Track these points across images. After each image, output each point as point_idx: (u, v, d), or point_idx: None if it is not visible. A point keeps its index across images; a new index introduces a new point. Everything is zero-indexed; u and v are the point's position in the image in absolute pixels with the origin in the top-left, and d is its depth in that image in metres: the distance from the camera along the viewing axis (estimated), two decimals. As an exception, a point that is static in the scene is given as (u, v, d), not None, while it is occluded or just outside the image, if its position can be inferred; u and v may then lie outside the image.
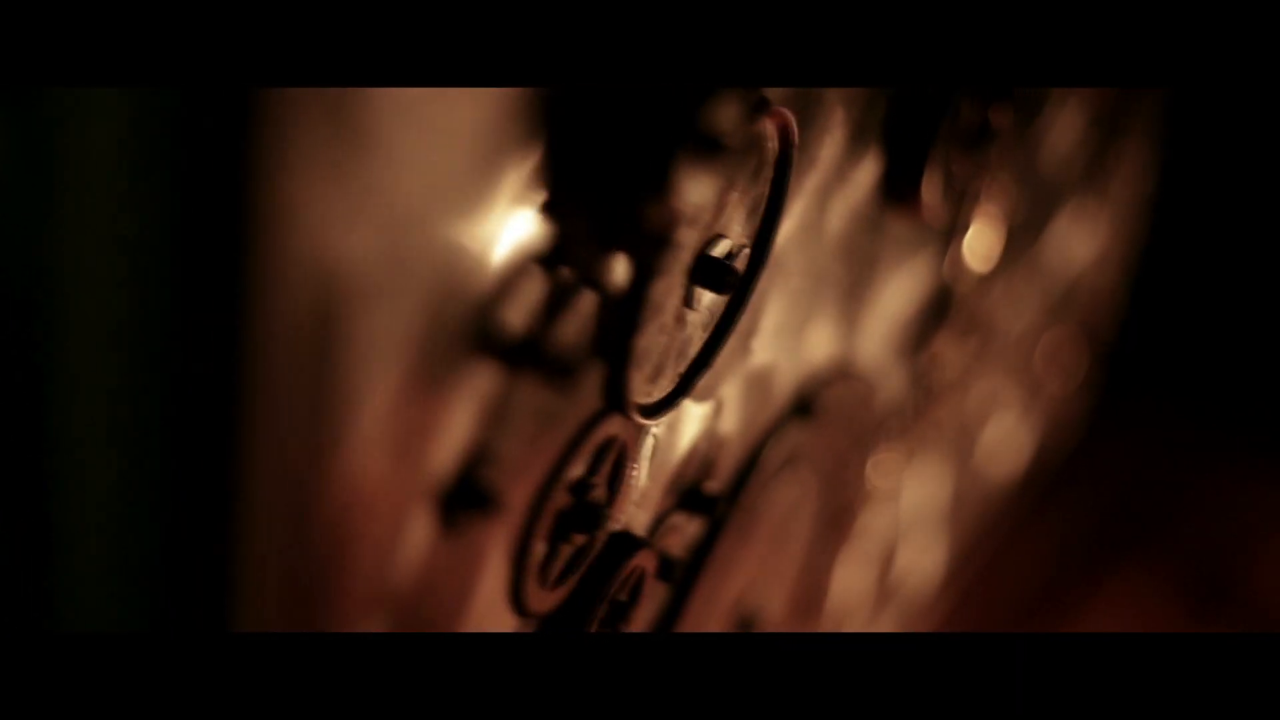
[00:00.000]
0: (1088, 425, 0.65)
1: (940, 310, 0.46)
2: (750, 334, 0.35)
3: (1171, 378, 0.71)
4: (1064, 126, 0.51)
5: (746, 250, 0.32)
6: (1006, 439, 0.59)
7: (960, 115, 0.39)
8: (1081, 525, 0.66)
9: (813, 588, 0.46)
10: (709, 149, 0.27)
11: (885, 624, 0.54)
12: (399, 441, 0.24)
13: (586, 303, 0.27)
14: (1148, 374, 0.70)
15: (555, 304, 0.27)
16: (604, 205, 0.26)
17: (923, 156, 0.38)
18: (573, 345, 0.27)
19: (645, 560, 0.33)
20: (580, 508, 0.30)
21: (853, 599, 0.51)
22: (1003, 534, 0.62)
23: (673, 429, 0.34)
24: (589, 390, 0.29)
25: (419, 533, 0.26)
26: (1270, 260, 0.69)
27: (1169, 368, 0.71)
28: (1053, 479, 0.65)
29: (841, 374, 0.41)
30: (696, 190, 0.28)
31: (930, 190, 0.39)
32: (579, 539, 0.31)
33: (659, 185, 0.26)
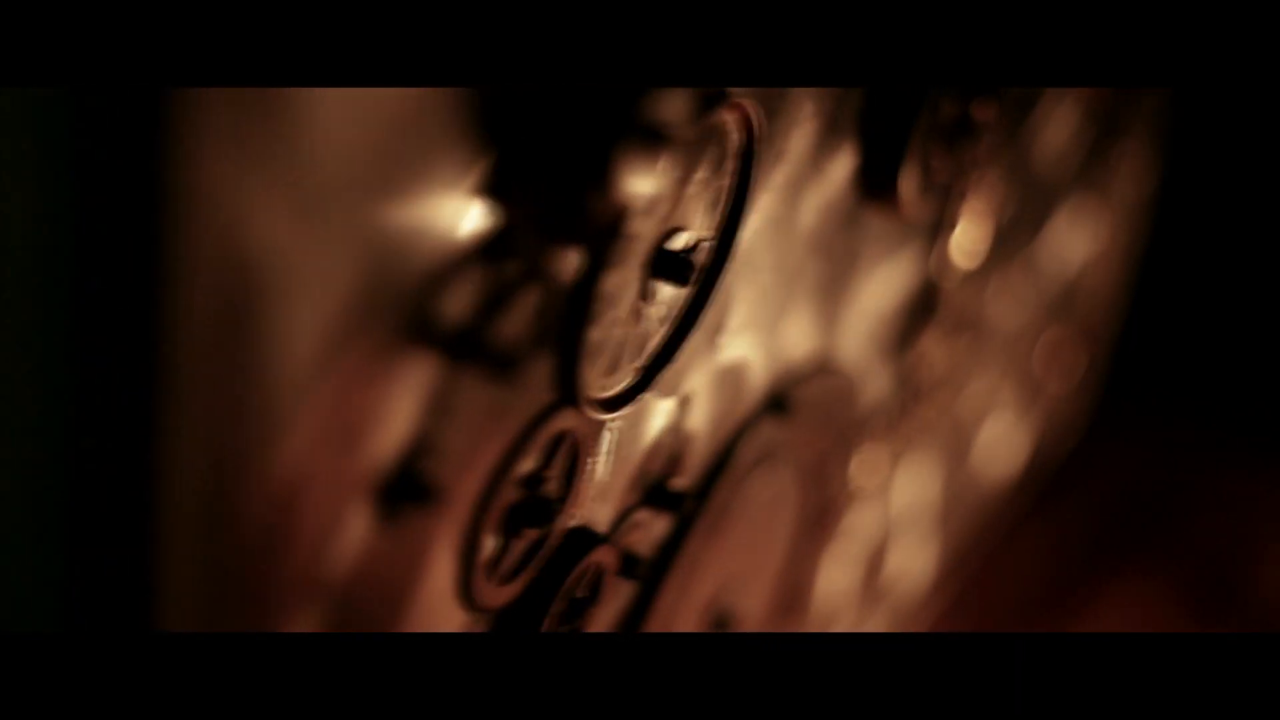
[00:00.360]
0: (1088, 426, 0.65)
1: (926, 307, 0.45)
2: (719, 329, 0.35)
3: (1174, 378, 0.70)
4: (1059, 123, 0.51)
5: (707, 244, 0.32)
6: (1003, 439, 0.59)
7: (939, 110, 0.38)
8: (1083, 527, 0.66)
9: (795, 588, 0.46)
10: (655, 139, 0.27)
11: (875, 626, 0.54)
12: (331, 433, 0.24)
13: (532, 294, 0.27)
14: (1150, 375, 0.69)
15: (498, 294, 0.26)
16: (547, 194, 0.26)
17: (900, 151, 0.38)
18: (518, 337, 0.27)
19: (605, 556, 0.33)
20: (532, 502, 0.30)
21: (839, 600, 0.50)
22: (1000, 536, 0.62)
23: (635, 424, 0.33)
24: (539, 383, 0.29)
25: (356, 525, 0.26)
26: (1274, 260, 0.68)
27: (1172, 368, 0.70)
28: (1052, 481, 0.64)
29: (820, 370, 0.41)
30: (648, 182, 0.28)
31: (908, 186, 0.38)
32: (531, 534, 0.31)
33: (602, 175, 0.26)
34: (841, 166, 0.37)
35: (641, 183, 0.27)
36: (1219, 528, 0.66)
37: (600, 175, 0.26)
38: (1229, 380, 0.70)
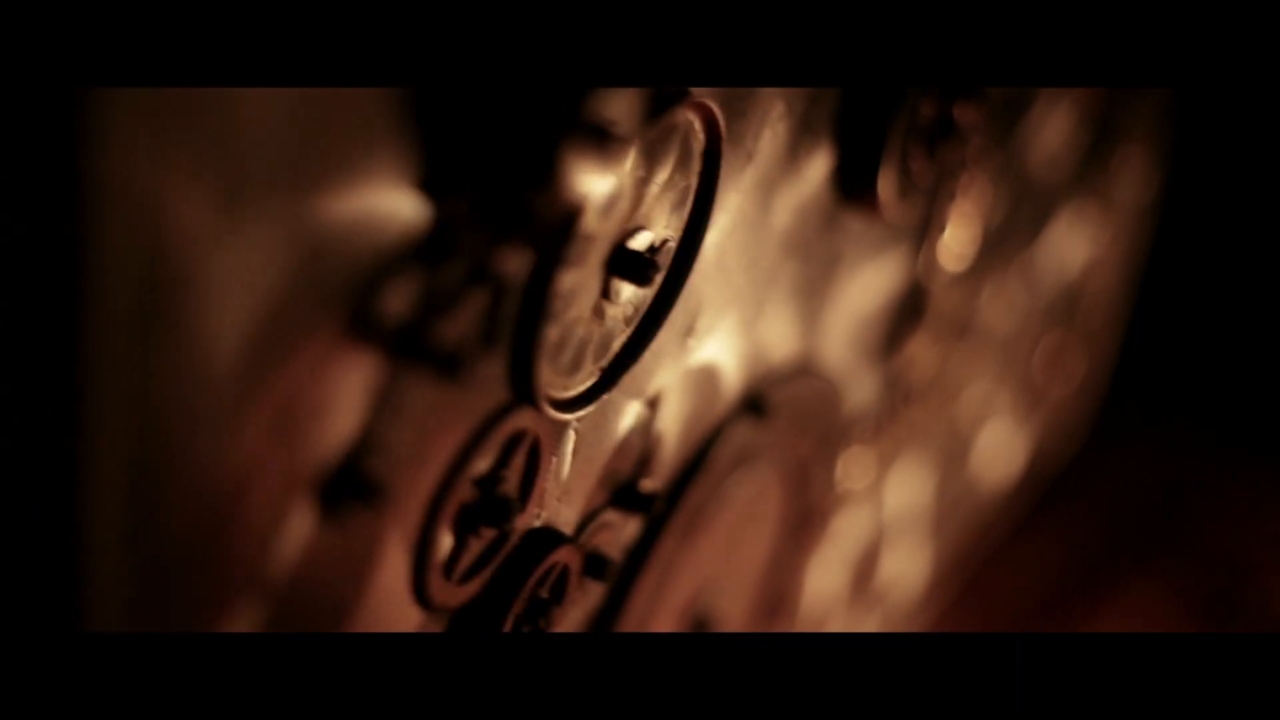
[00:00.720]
0: (1090, 432, 0.64)
1: (913, 310, 0.45)
2: (690, 330, 0.35)
3: (1179, 383, 0.69)
4: (1054, 127, 0.50)
5: (670, 244, 0.32)
6: (1001, 444, 0.58)
7: (918, 111, 0.38)
8: (1086, 534, 0.65)
9: (780, 591, 0.45)
10: (603, 136, 0.26)
11: (866, 629, 0.53)
12: (268, 429, 0.24)
13: (480, 291, 0.27)
14: (1154, 380, 0.69)
15: (443, 291, 0.26)
16: (491, 190, 0.26)
17: (877, 153, 0.37)
18: (466, 334, 0.27)
19: (569, 557, 0.33)
20: (488, 501, 0.30)
21: (829, 604, 0.50)
22: (998, 541, 0.61)
23: (601, 424, 0.33)
24: (492, 381, 0.29)
25: (299, 523, 0.26)
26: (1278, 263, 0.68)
27: (1177, 373, 0.69)
28: (1054, 487, 0.63)
29: (800, 372, 0.41)
30: (598, 179, 0.28)
31: (887, 188, 0.38)
32: (489, 533, 0.30)
33: (548, 171, 0.26)
34: (818, 168, 0.37)
35: (591, 180, 0.27)
36: (1225, 534, 0.66)
37: (546, 171, 0.26)
38: (1234, 385, 0.69)
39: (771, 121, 0.34)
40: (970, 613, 0.61)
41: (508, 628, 0.32)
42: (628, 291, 0.31)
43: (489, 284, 0.27)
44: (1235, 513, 0.66)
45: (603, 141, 0.27)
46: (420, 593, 0.29)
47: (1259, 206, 0.67)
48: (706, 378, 0.37)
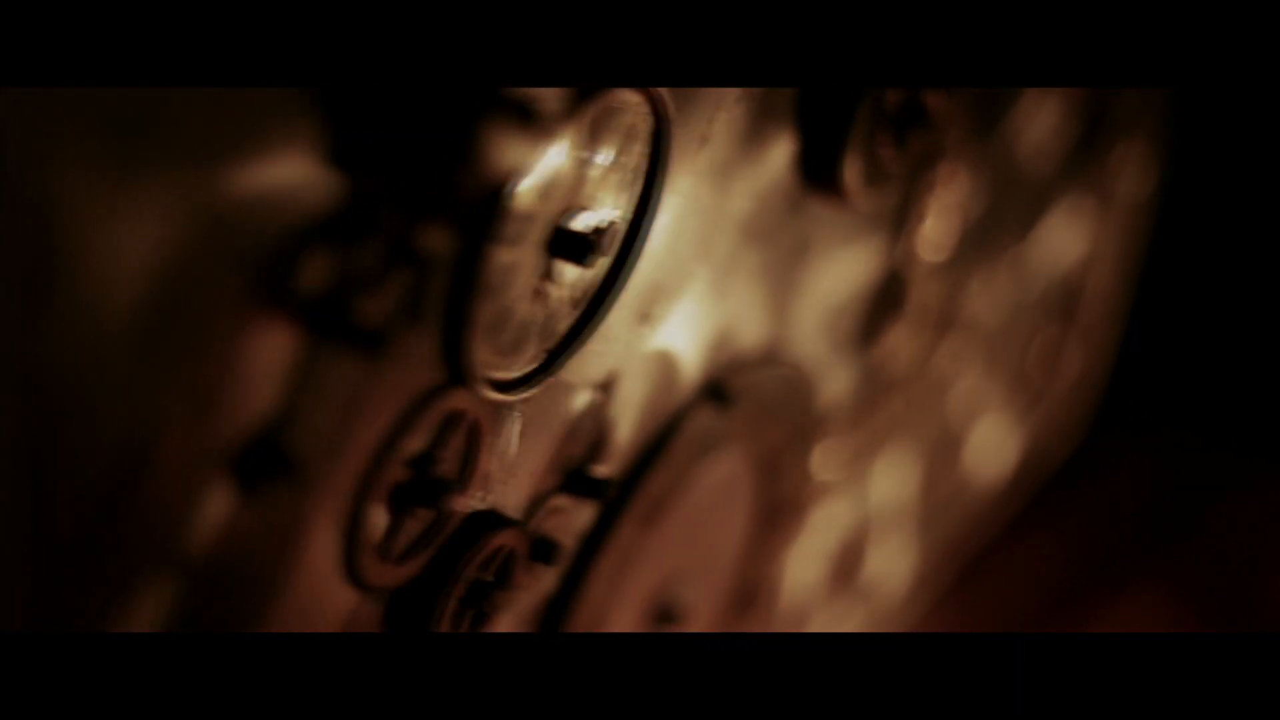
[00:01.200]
0: (1090, 431, 0.64)
1: (892, 300, 0.45)
2: (645, 315, 0.35)
3: (1181, 383, 0.69)
4: (1042, 117, 0.50)
5: (614, 225, 0.31)
6: (993, 441, 0.58)
7: (884, 98, 0.38)
8: (1085, 535, 0.65)
9: (753, 583, 0.45)
10: (528, 114, 0.26)
11: (852, 627, 0.53)
12: (177, 403, 0.24)
13: (405, 268, 0.27)
14: (1155, 379, 0.68)
15: (364, 266, 0.26)
16: (412, 166, 0.26)
17: (840, 140, 0.37)
18: (391, 311, 0.27)
19: (513, 540, 0.33)
20: (423, 481, 0.30)
21: (809, 598, 0.49)
22: (993, 541, 0.61)
23: (549, 407, 0.33)
24: (425, 360, 0.28)
25: (214, 499, 0.26)
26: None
27: (1178, 373, 0.68)
28: (1052, 487, 0.63)
29: (767, 360, 0.40)
30: (536, 159, 0.28)
31: (853, 175, 0.38)
32: (425, 514, 0.30)
33: (469, 149, 0.26)
34: (780, 153, 0.37)
35: (520, 157, 0.27)
36: (1227, 535, 0.65)
37: (467, 147, 0.26)
38: (1236, 385, 0.68)
39: (726, 105, 0.34)
40: (964, 613, 0.61)
41: (448, 609, 0.32)
42: (570, 273, 0.31)
43: (412, 261, 0.27)
44: (1237, 513, 0.65)
45: (527, 118, 0.27)
46: (353, 572, 0.29)
47: (1262, 202, 0.66)
48: (664, 363, 0.36)
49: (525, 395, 0.31)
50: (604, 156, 0.31)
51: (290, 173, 0.24)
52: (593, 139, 0.30)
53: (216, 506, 0.26)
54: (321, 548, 0.29)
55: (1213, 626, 0.62)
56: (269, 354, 0.25)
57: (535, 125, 0.26)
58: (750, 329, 0.39)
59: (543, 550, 0.34)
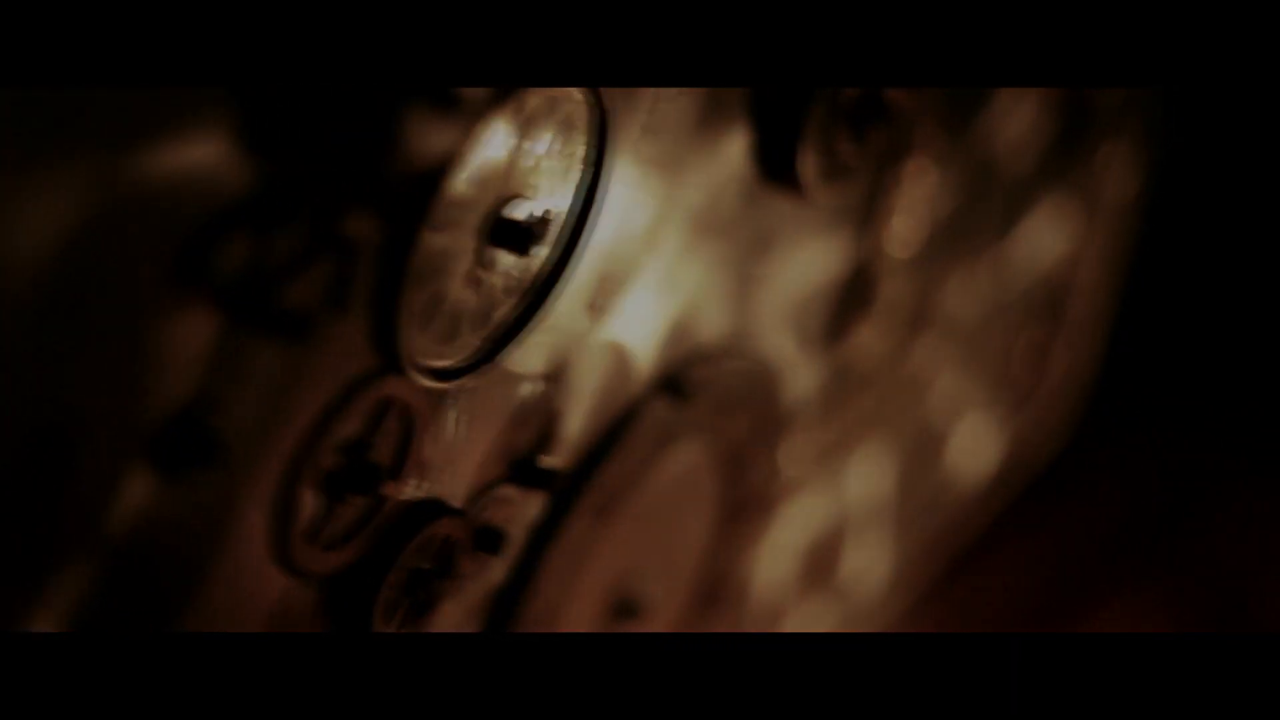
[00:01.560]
0: (1079, 432, 0.63)
1: (860, 297, 0.45)
2: (593, 305, 0.35)
3: (1171, 384, 0.68)
4: (1020, 115, 0.49)
5: (554, 215, 0.32)
6: (976, 440, 0.58)
7: (839, 91, 0.37)
8: (1073, 539, 0.64)
9: (721, 579, 0.45)
10: (451, 101, 0.26)
11: (827, 626, 0.53)
12: (91, 384, 0.24)
13: (328, 253, 0.27)
14: (1145, 380, 0.67)
15: (285, 251, 0.26)
16: (332, 152, 0.26)
17: (795, 132, 0.37)
18: (315, 297, 0.27)
19: (453, 528, 0.33)
20: (355, 468, 0.30)
21: (782, 596, 0.49)
22: (978, 543, 0.60)
23: (491, 396, 0.33)
24: (354, 346, 0.28)
25: (134, 481, 0.26)
26: (1271, 258, 0.66)
27: (1169, 373, 0.68)
28: (1041, 489, 0.63)
29: (726, 354, 0.40)
30: (466, 146, 0.28)
31: (808, 169, 0.38)
32: (358, 500, 0.30)
33: (391, 136, 0.26)
34: (735, 145, 0.37)
35: (444, 143, 0.27)
36: (1218, 538, 0.64)
37: (390, 134, 0.26)
38: (1227, 385, 0.68)
39: (668, 96, 0.34)
40: (949, 614, 0.60)
41: (386, 596, 0.32)
42: (506, 261, 0.31)
43: (337, 246, 0.27)
44: (1226, 515, 0.65)
45: (450, 106, 0.27)
46: (284, 557, 0.29)
47: (1252, 201, 0.66)
48: (616, 355, 0.36)
49: (464, 384, 0.31)
50: (542, 146, 0.31)
51: (205, 156, 0.24)
52: (530, 128, 0.30)
53: (137, 490, 0.26)
54: (252, 532, 0.29)
55: (1202, 629, 0.62)
56: (188, 338, 0.25)
57: (460, 113, 0.26)
58: (709, 322, 0.39)
59: (487, 539, 0.34)
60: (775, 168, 0.38)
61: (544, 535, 0.36)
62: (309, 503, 0.29)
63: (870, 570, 0.54)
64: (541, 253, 0.32)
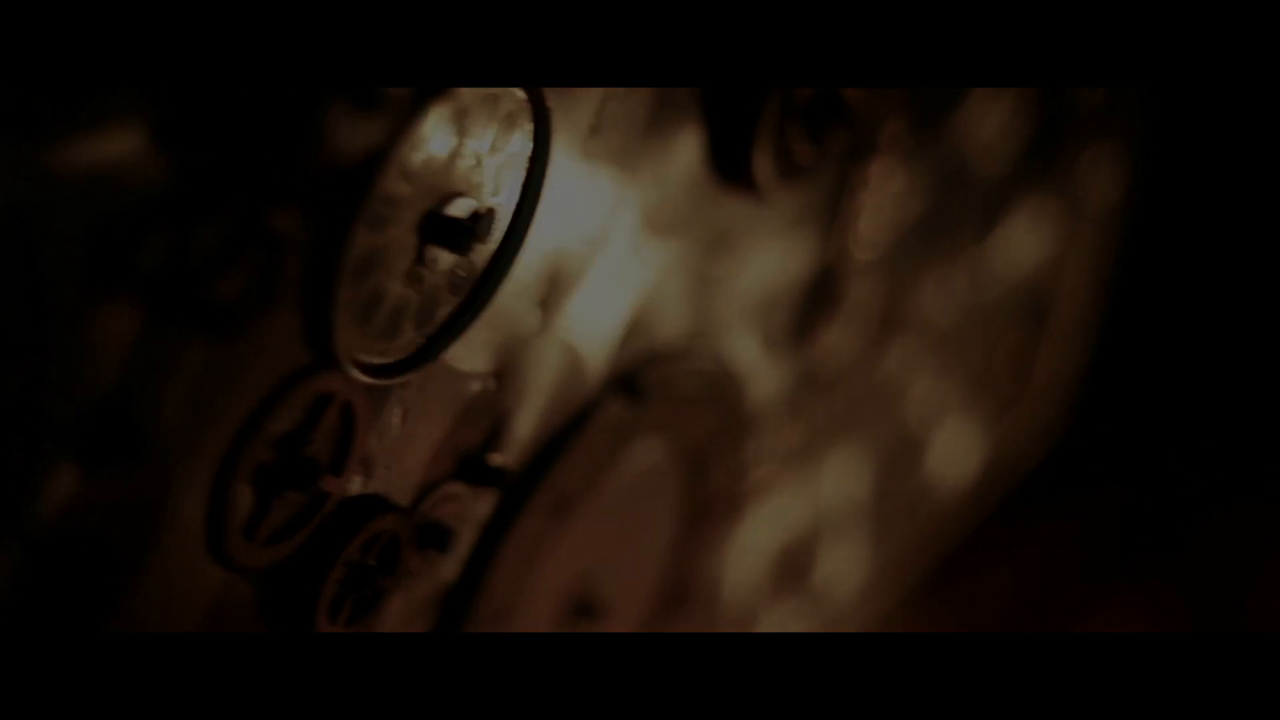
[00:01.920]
0: (1065, 438, 0.63)
1: (825, 298, 0.45)
2: (542, 303, 0.35)
3: (1159, 390, 0.68)
4: (994, 117, 0.49)
5: (494, 212, 0.32)
6: (957, 445, 0.57)
7: (794, 91, 0.37)
8: (1062, 545, 0.64)
9: (686, 580, 0.45)
10: (375, 97, 0.26)
11: (802, 628, 0.53)
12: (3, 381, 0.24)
13: (253, 248, 0.27)
14: (1132, 385, 0.67)
15: (206, 246, 0.26)
16: (252, 146, 0.26)
17: (748, 133, 0.37)
18: (241, 292, 0.27)
19: (396, 525, 0.33)
20: (291, 463, 0.30)
21: (754, 598, 0.49)
22: (961, 548, 0.60)
23: (436, 393, 0.33)
24: (288, 341, 0.29)
25: (56, 474, 0.26)
26: (1268, 263, 0.66)
27: (1156, 379, 0.68)
28: (1027, 495, 0.62)
29: (685, 354, 0.40)
30: (393, 142, 0.28)
31: (763, 169, 0.38)
32: (296, 496, 0.30)
33: (317, 131, 0.26)
34: (688, 144, 0.37)
35: (373, 139, 0.27)
36: (1208, 543, 0.64)
37: (315, 129, 0.26)
38: (1215, 391, 0.68)
39: (617, 95, 0.34)
40: (932, 619, 0.60)
41: (328, 592, 0.32)
42: (446, 259, 0.31)
43: (262, 241, 0.27)
44: (1216, 521, 0.64)
45: (376, 103, 0.27)
46: (218, 552, 0.30)
47: (1240, 206, 0.65)
48: (567, 353, 0.36)
49: (405, 380, 0.32)
50: (484, 144, 0.31)
51: (123, 150, 0.24)
52: (470, 126, 0.30)
53: (60, 484, 0.26)
54: (185, 526, 0.29)
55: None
56: (109, 331, 0.25)
57: (385, 111, 0.27)
58: (666, 321, 0.39)
59: (434, 536, 0.34)
60: (730, 167, 0.38)
61: (495, 533, 0.37)
62: (244, 497, 0.29)
63: (847, 574, 0.54)
64: (485, 250, 0.32)
